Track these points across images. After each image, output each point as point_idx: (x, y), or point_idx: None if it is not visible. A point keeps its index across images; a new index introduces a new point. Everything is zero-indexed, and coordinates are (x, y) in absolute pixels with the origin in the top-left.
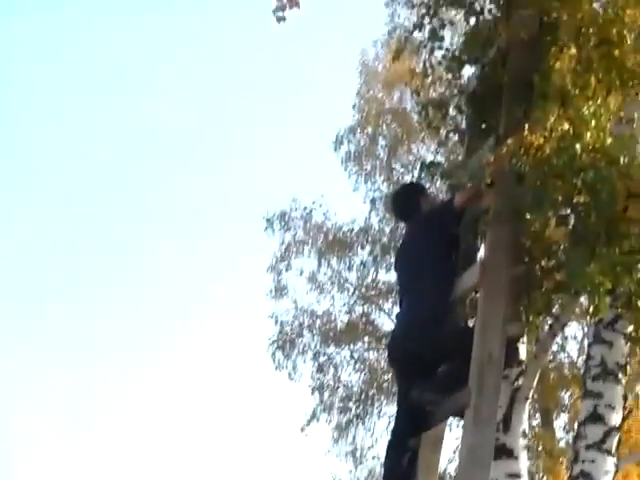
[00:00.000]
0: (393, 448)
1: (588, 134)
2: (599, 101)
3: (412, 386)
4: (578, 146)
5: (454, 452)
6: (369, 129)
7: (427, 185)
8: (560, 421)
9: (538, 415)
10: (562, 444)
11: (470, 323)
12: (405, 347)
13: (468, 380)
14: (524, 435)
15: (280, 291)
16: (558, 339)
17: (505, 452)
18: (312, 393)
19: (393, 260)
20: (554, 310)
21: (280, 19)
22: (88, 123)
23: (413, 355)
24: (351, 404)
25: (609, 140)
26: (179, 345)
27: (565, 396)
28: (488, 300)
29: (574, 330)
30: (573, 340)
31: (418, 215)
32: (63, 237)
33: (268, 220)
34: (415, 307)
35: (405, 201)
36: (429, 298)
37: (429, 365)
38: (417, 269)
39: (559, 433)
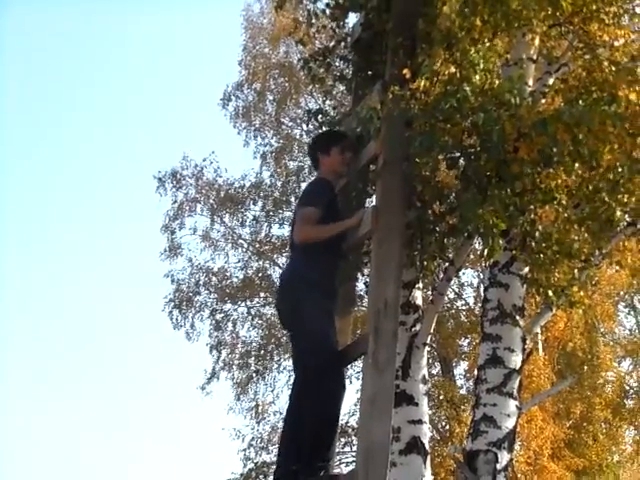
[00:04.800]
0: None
1: (476, 77)
2: (486, 43)
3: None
4: (468, 89)
5: (355, 405)
6: (257, 84)
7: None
8: (460, 369)
9: (438, 364)
10: (463, 392)
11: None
12: (278, 304)
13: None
14: (424, 381)
15: (174, 250)
16: (454, 286)
17: (405, 398)
18: (210, 351)
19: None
20: (448, 254)
21: None
22: None
23: (283, 312)
24: (251, 360)
25: (497, 82)
26: (76, 307)
27: (464, 343)
28: (382, 246)
29: (470, 277)
30: (469, 287)
31: (310, 182)
32: None
33: (160, 179)
34: (288, 268)
35: (310, 155)
36: (298, 263)
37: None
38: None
39: (459, 381)
